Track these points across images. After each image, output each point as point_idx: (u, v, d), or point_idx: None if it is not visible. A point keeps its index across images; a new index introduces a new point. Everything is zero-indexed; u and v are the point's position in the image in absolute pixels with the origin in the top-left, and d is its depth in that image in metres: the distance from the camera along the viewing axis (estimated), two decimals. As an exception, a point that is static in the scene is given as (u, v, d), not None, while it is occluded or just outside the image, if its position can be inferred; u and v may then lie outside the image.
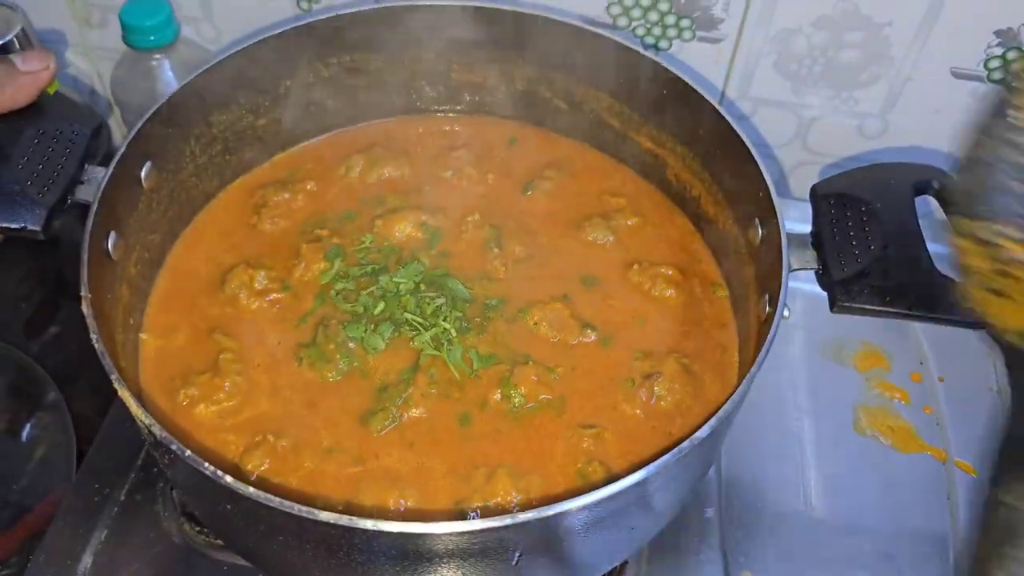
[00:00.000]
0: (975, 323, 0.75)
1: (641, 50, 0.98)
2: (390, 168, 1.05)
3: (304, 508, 0.64)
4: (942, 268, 0.80)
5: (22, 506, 1.08)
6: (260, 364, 0.89)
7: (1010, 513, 0.63)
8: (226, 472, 0.66)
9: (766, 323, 0.80)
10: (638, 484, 0.68)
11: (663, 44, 1.20)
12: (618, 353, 0.92)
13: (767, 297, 0.82)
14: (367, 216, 1.01)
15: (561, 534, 0.70)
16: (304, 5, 1.24)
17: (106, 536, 0.96)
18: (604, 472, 0.82)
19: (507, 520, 0.64)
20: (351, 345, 0.89)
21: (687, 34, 1.18)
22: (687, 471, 0.79)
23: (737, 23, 1.15)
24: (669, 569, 0.95)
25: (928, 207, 0.89)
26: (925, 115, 1.20)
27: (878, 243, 0.80)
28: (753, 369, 0.73)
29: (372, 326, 0.89)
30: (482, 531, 0.65)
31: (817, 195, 0.85)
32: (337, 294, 0.93)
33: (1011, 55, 1.09)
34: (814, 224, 0.85)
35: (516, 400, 0.86)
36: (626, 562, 0.94)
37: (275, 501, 0.65)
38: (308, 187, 1.03)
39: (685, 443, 0.69)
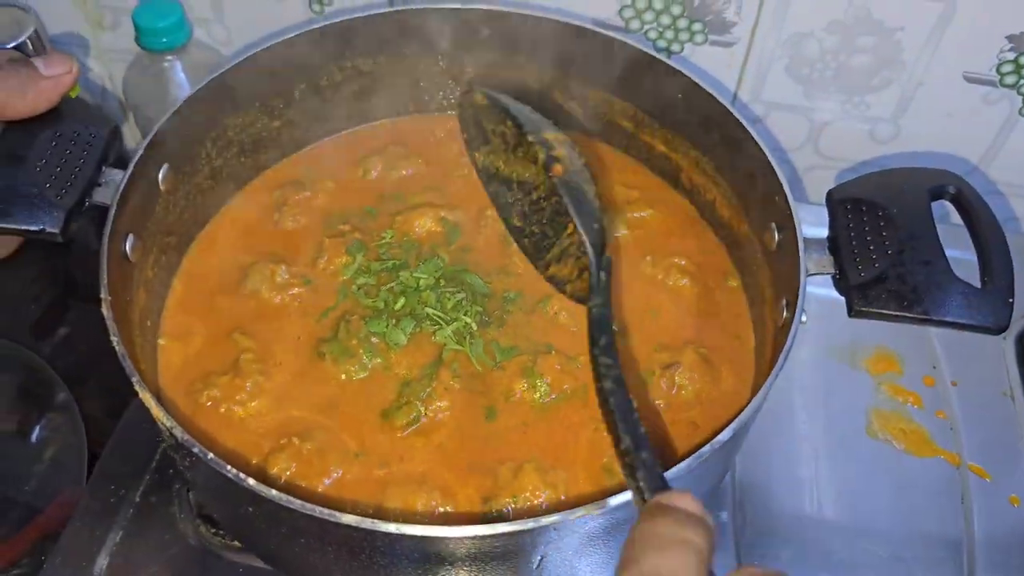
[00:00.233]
0: (992, 329, 0.76)
1: (656, 54, 0.98)
2: (407, 167, 1.06)
3: (327, 511, 0.64)
4: (959, 273, 0.81)
5: (32, 507, 1.08)
6: (281, 363, 0.89)
7: None
8: (250, 475, 0.67)
9: (784, 328, 0.80)
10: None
11: (675, 48, 1.20)
12: (637, 343, 0.92)
13: (784, 302, 0.83)
14: (387, 213, 1.02)
15: (583, 537, 0.70)
16: (316, 7, 1.24)
17: (122, 538, 0.96)
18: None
19: (530, 524, 0.64)
20: (373, 340, 0.89)
21: (699, 38, 1.18)
22: (708, 474, 0.79)
23: (749, 27, 1.15)
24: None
25: (943, 212, 0.89)
26: (937, 119, 1.20)
27: (895, 248, 0.80)
28: (772, 375, 0.73)
29: (394, 321, 0.89)
30: (505, 534, 0.65)
31: (833, 200, 0.85)
32: (359, 288, 0.93)
33: (1024, 60, 1.10)
34: (830, 229, 0.85)
35: (541, 389, 0.87)
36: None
37: (297, 503, 0.65)
38: (327, 185, 1.03)
39: (706, 447, 0.69)
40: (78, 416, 1.13)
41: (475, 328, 0.90)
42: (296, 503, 0.64)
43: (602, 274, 0.78)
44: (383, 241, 0.99)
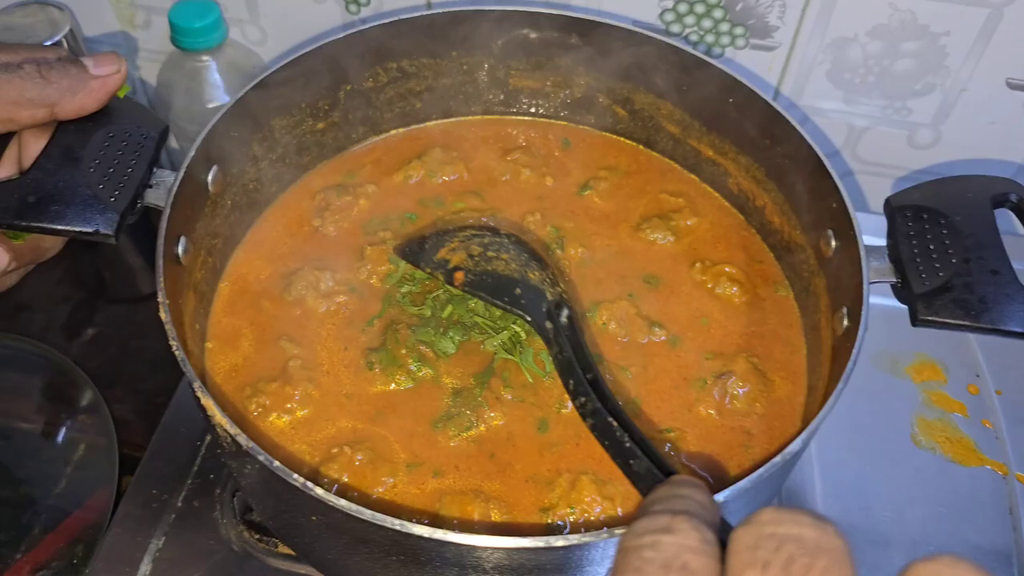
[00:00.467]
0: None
1: (707, 57, 0.97)
2: (449, 172, 1.05)
3: (398, 521, 0.63)
4: (1021, 282, 0.80)
5: (61, 510, 1.07)
6: (329, 371, 0.88)
7: None
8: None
9: (845, 338, 0.79)
10: (722, 504, 0.67)
11: (715, 51, 1.19)
12: (687, 352, 0.91)
13: (844, 311, 0.82)
14: (428, 218, 1.01)
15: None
16: (352, 7, 1.23)
17: (164, 543, 0.95)
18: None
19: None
20: (422, 349, 0.88)
21: (740, 41, 1.18)
22: (773, 484, 0.78)
23: (792, 31, 1.15)
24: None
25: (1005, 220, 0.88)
26: (979, 126, 1.19)
27: (960, 257, 0.79)
28: (841, 383, 0.73)
29: (441, 330, 0.88)
30: (583, 545, 0.64)
31: (892, 207, 0.84)
32: (403, 297, 0.92)
33: (1071, 67, 1.09)
34: (889, 236, 0.84)
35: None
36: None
37: (367, 514, 0.64)
38: (368, 190, 1.02)
39: (777, 458, 0.69)
40: (108, 417, 1.12)
41: (524, 337, 0.89)
42: (367, 513, 0.63)
43: (548, 324, 0.81)
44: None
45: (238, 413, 0.85)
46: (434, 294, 0.92)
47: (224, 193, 0.92)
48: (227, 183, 0.93)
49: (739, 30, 1.17)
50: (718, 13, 1.15)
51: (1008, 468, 1.03)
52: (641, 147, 1.10)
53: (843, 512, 1.01)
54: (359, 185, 1.03)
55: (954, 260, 0.79)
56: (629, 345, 0.91)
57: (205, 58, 1.20)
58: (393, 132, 1.10)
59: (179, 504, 0.98)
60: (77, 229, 0.78)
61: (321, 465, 0.81)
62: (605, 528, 0.67)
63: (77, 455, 1.12)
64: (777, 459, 0.68)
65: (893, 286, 0.82)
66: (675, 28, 1.18)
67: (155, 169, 0.84)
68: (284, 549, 0.94)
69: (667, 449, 0.84)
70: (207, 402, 0.70)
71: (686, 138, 1.06)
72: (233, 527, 0.96)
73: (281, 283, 0.95)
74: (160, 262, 0.77)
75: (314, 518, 0.69)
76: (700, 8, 1.15)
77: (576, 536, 0.64)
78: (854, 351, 0.74)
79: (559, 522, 0.79)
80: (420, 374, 0.88)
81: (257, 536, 0.95)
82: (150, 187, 0.83)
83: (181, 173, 0.83)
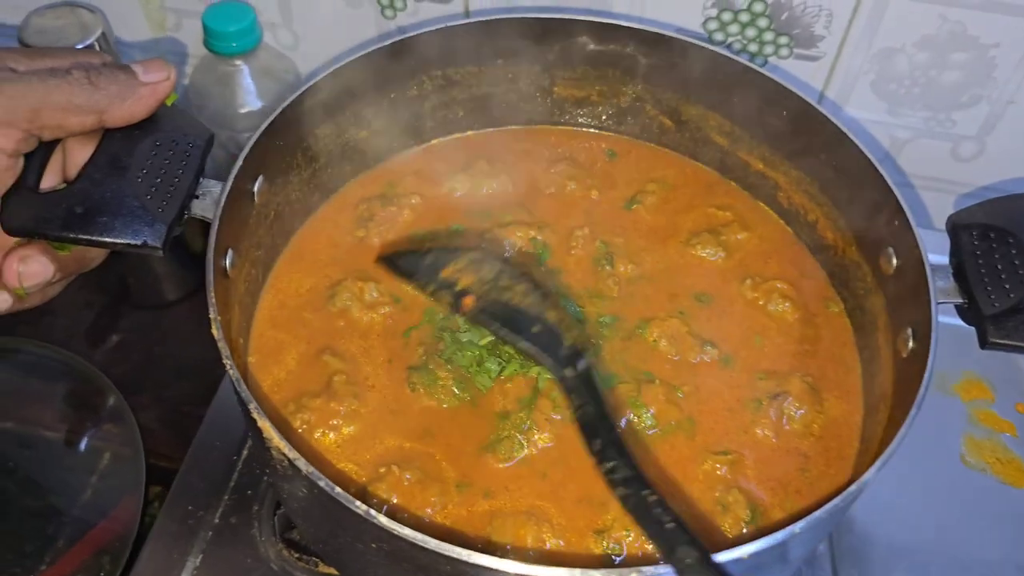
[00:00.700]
0: None
1: (759, 68, 0.95)
2: (492, 183, 1.03)
3: (466, 552, 0.61)
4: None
5: (86, 521, 1.05)
6: (374, 385, 0.86)
7: None
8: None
9: (911, 360, 0.77)
10: (790, 536, 0.65)
11: (759, 61, 1.17)
12: (740, 372, 0.89)
13: (910, 332, 0.79)
14: (475, 230, 0.98)
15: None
16: (388, 13, 1.21)
17: (201, 561, 0.93)
18: (746, 502, 0.79)
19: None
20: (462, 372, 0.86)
21: (784, 51, 1.16)
22: (834, 520, 0.76)
23: (838, 41, 1.13)
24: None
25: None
26: (1024, 139, 1.17)
27: (1031, 277, 0.77)
28: (914, 408, 0.71)
29: (476, 362, 0.87)
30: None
31: (957, 226, 0.82)
32: (445, 317, 0.90)
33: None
34: (954, 255, 0.82)
35: (647, 421, 0.83)
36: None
37: (432, 543, 0.62)
38: (413, 201, 1.00)
39: (852, 487, 0.67)
40: (134, 425, 1.10)
41: None
42: (431, 543, 0.61)
43: (567, 371, 0.72)
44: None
45: (283, 431, 0.82)
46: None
47: (268, 203, 0.90)
48: (272, 193, 0.90)
49: (783, 39, 1.14)
50: (763, 22, 1.13)
51: (1060, 490, 1.01)
52: (688, 159, 1.08)
53: (889, 533, 0.99)
54: (403, 195, 1.01)
55: (1024, 281, 0.77)
56: (680, 364, 0.89)
57: (238, 62, 1.18)
58: (435, 141, 1.08)
59: (216, 521, 0.96)
60: (125, 242, 0.75)
61: (369, 484, 0.79)
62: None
63: (102, 464, 1.10)
64: (852, 488, 0.66)
65: (958, 307, 0.80)
66: (718, 36, 1.16)
67: (201, 179, 0.81)
68: (325, 568, 0.92)
69: (723, 472, 0.82)
70: (264, 424, 0.67)
71: (735, 150, 1.03)
72: (272, 545, 0.94)
73: (324, 294, 0.93)
74: (211, 276, 0.75)
75: (374, 545, 0.66)
76: (745, 17, 1.13)
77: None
78: (925, 375, 0.72)
79: (614, 544, 0.77)
80: (464, 396, 0.85)
81: (297, 555, 0.93)
82: (196, 198, 0.81)
83: (229, 184, 0.80)
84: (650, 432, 0.84)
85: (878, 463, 0.68)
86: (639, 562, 0.75)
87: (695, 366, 0.89)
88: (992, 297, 0.77)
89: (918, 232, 0.82)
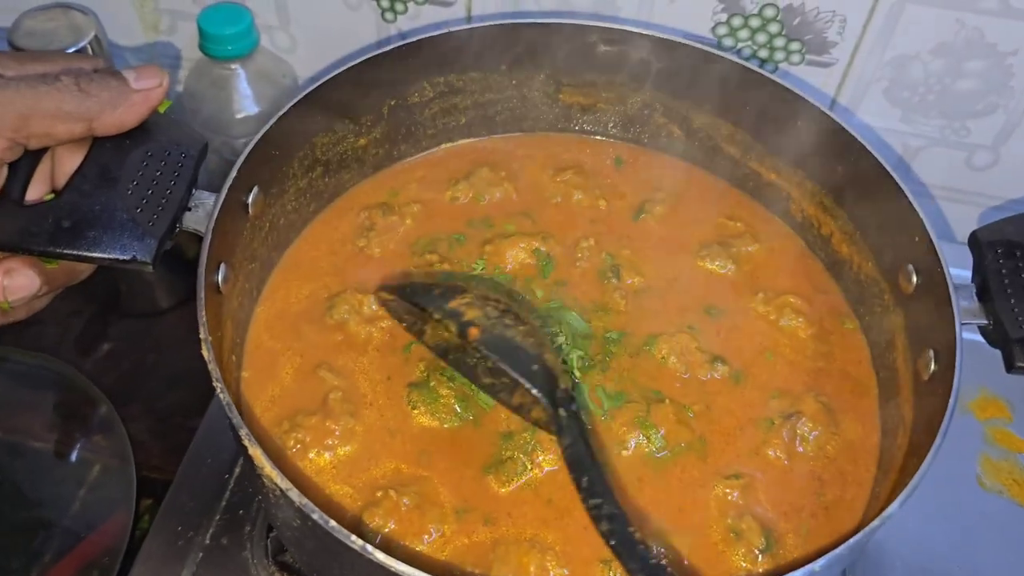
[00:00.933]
0: None
1: (775, 77, 0.92)
2: (496, 192, 1.00)
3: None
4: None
5: (75, 533, 1.01)
6: (372, 403, 0.83)
7: None
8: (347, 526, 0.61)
9: (934, 383, 0.74)
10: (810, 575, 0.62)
11: (768, 67, 1.14)
12: (752, 390, 0.86)
13: (932, 354, 0.76)
14: (476, 240, 0.95)
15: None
16: (389, 16, 1.18)
17: (191, 584, 0.89)
18: (759, 528, 0.76)
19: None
20: (465, 390, 0.83)
21: (795, 57, 1.13)
22: (856, 553, 0.73)
23: (851, 47, 1.10)
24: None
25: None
26: (1042, 149, 1.14)
27: (1061, 299, 0.74)
28: (939, 435, 0.68)
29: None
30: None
31: (980, 242, 0.79)
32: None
33: None
34: (978, 273, 0.79)
35: (656, 443, 0.80)
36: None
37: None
38: (414, 210, 0.97)
39: (875, 521, 0.64)
40: (124, 436, 1.07)
41: (578, 373, 0.84)
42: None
43: (561, 411, 0.73)
44: (474, 273, 0.92)
45: (276, 450, 0.79)
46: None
47: (263, 215, 0.87)
48: (267, 204, 0.87)
49: (795, 45, 1.11)
50: (774, 27, 1.10)
51: (1080, 514, 0.98)
52: (697, 168, 1.05)
53: (904, 556, 0.96)
54: (403, 205, 0.98)
55: (1055, 303, 0.74)
56: (690, 381, 0.86)
57: (234, 66, 1.15)
58: (436, 149, 1.05)
59: (206, 542, 0.93)
60: (113, 257, 0.72)
61: (365, 510, 0.76)
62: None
63: (91, 476, 1.07)
64: (875, 523, 0.63)
65: (983, 328, 0.77)
66: (728, 42, 1.13)
67: (194, 191, 0.78)
68: (320, 592, 0.89)
69: (735, 497, 0.79)
70: (255, 452, 0.64)
71: (746, 160, 1.00)
72: (264, 568, 0.90)
73: (322, 306, 0.90)
74: (202, 294, 0.72)
75: (370, 580, 0.63)
76: (755, 22, 1.10)
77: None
78: (950, 403, 0.69)
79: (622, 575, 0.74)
80: (466, 415, 0.82)
81: (291, 578, 0.90)
82: (189, 210, 0.77)
83: (222, 196, 0.77)
84: (659, 455, 0.81)
85: (901, 496, 0.65)
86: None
87: (705, 383, 0.86)
88: (1019, 319, 0.74)
89: (941, 249, 0.78)
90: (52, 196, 0.76)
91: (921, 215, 0.81)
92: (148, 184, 0.75)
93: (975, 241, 0.80)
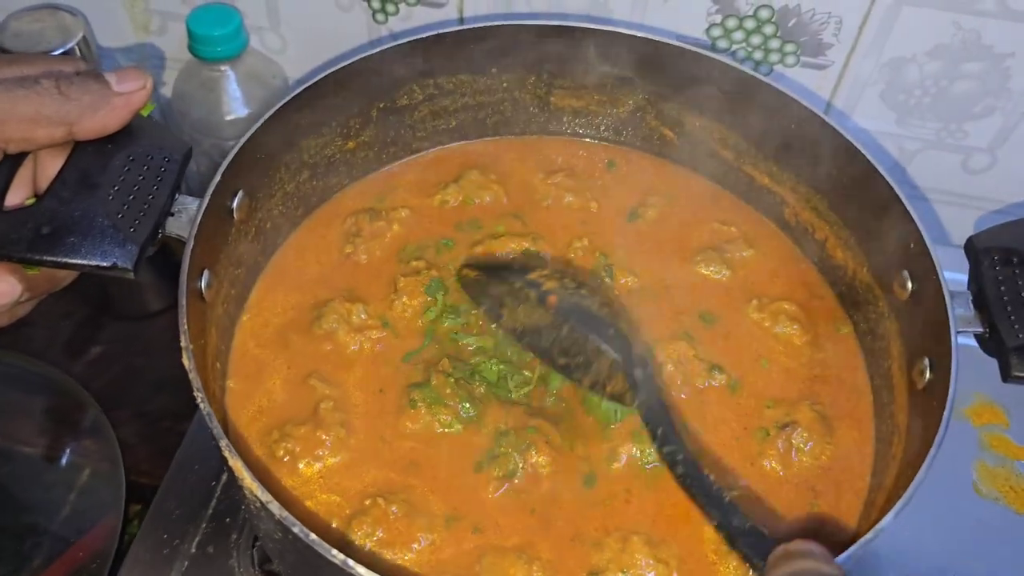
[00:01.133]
0: None
1: (766, 79, 0.91)
2: (485, 195, 0.99)
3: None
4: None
5: (63, 538, 1.00)
6: (365, 413, 0.82)
7: None
8: (331, 541, 0.60)
9: (928, 393, 0.73)
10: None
11: (763, 69, 1.13)
12: (746, 397, 0.85)
13: (927, 363, 0.75)
14: (465, 244, 0.94)
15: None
16: (380, 17, 1.17)
17: (177, 593, 0.88)
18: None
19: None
20: (471, 387, 0.82)
21: (791, 59, 1.11)
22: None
23: (847, 50, 1.08)
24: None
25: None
26: (1039, 152, 1.13)
27: (1060, 307, 0.73)
28: (934, 446, 0.67)
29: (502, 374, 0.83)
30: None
31: (977, 249, 0.78)
32: (456, 334, 0.87)
33: None
34: (974, 280, 0.77)
35: (649, 456, 0.79)
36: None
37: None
38: (401, 215, 0.96)
39: (869, 534, 0.63)
40: (113, 440, 1.06)
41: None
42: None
43: (637, 371, 0.78)
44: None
45: (264, 461, 0.78)
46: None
47: (249, 219, 0.86)
48: (252, 209, 0.86)
49: (790, 47, 1.10)
50: (769, 29, 1.09)
51: (1078, 521, 0.97)
52: (691, 171, 1.03)
53: (899, 564, 0.94)
54: (390, 210, 0.97)
55: (1054, 311, 0.73)
56: (688, 390, 0.85)
57: (224, 68, 1.13)
58: (425, 152, 1.04)
59: (192, 550, 0.92)
60: (94, 264, 0.71)
61: (353, 518, 0.75)
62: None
63: (81, 480, 1.06)
64: (869, 535, 0.62)
65: (979, 336, 0.76)
66: (722, 44, 1.11)
67: (177, 195, 0.77)
68: (307, 603, 0.88)
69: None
70: (235, 463, 0.63)
71: (739, 163, 0.99)
72: (251, 576, 0.89)
73: (309, 315, 0.88)
74: (183, 301, 0.71)
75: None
76: (750, 24, 1.09)
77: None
78: (945, 413, 0.68)
79: None
80: (467, 415, 0.81)
81: (278, 588, 0.88)
82: (172, 215, 0.76)
83: (206, 201, 0.76)
84: (649, 466, 0.80)
85: (895, 509, 0.64)
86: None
87: (702, 392, 0.85)
88: (1016, 327, 0.73)
89: (936, 256, 0.77)
90: (33, 200, 0.74)
91: (916, 220, 0.80)
92: (130, 189, 0.74)
93: (971, 247, 0.79)
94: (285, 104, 0.85)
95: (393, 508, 0.75)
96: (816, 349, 0.89)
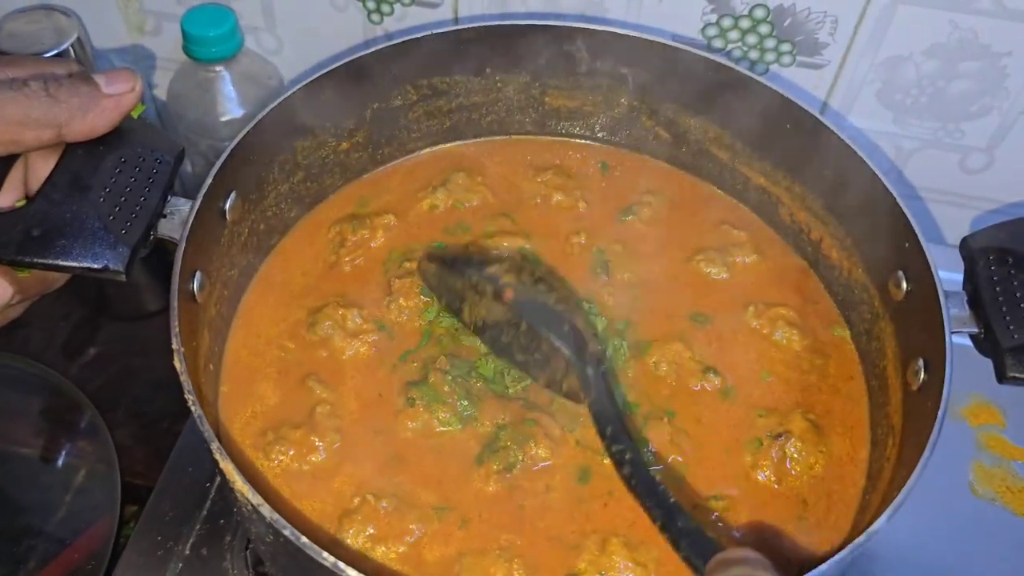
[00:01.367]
0: None
1: (762, 78, 0.91)
2: (473, 197, 0.98)
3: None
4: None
5: (59, 539, 1.01)
6: (360, 418, 0.82)
7: None
8: (323, 537, 0.61)
9: (922, 394, 0.73)
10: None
11: (759, 68, 1.13)
12: (740, 407, 0.84)
13: (921, 363, 0.75)
14: (457, 245, 0.94)
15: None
16: (375, 18, 1.16)
17: (171, 595, 0.88)
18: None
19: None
20: (469, 385, 0.82)
21: (786, 59, 1.11)
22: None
23: (842, 49, 1.08)
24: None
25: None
26: (1037, 152, 1.13)
27: (1055, 307, 0.73)
28: (928, 448, 0.66)
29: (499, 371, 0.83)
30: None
31: (971, 248, 0.77)
32: (454, 334, 0.87)
33: None
34: (969, 281, 0.77)
35: (645, 459, 0.79)
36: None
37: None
38: (386, 220, 0.95)
39: (861, 537, 0.63)
40: (109, 441, 1.06)
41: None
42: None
43: (588, 369, 0.77)
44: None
45: (257, 464, 0.78)
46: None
47: (241, 221, 0.86)
48: (245, 210, 0.86)
49: (786, 46, 1.10)
50: (764, 28, 1.08)
51: (1075, 522, 0.97)
52: (685, 172, 1.03)
53: (894, 566, 0.94)
54: (381, 213, 0.96)
55: (1048, 311, 0.73)
56: (678, 390, 0.85)
57: (219, 68, 1.13)
58: (418, 153, 1.03)
59: (186, 552, 0.92)
60: (85, 266, 0.71)
61: (345, 517, 0.75)
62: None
63: (77, 481, 1.06)
64: (860, 539, 0.62)
65: (974, 337, 0.75)
66: (718, 43, 1.11)
67: (169, 197, 0.76)
68: (300, 605, 0.88)
69: (713, 518, 0.78)
70: (226, 466, 0.63)
71: (735, 164, 0.99)
72: (245, 579, 0.89)
73: (304, 318, 0.88)
74: (175, 303, 0.70)
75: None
76: (745, 23, 1.08)
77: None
78: (939, 414, 0.68)
79: None
80: (466, 413, 0.81)
81: (271, 590, 0.88)
82: (164, 217, 0.76)
83: (198, 203, 0.76)
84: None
85: (888, 512, 0.63)
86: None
87: (695, 394, 0.85)
88: (1011, 328, 0.73)
89: (931, 255, 0.77)
90: (24, 202, 0.74)
91: (911, 220, 0.79)
92: (121, 191, 0.73)
93: (966, 247, 0.78)
94: (279, 104, 0.85)
95: (383, 503, 0.76)
96: (814, 354, 0.89)
